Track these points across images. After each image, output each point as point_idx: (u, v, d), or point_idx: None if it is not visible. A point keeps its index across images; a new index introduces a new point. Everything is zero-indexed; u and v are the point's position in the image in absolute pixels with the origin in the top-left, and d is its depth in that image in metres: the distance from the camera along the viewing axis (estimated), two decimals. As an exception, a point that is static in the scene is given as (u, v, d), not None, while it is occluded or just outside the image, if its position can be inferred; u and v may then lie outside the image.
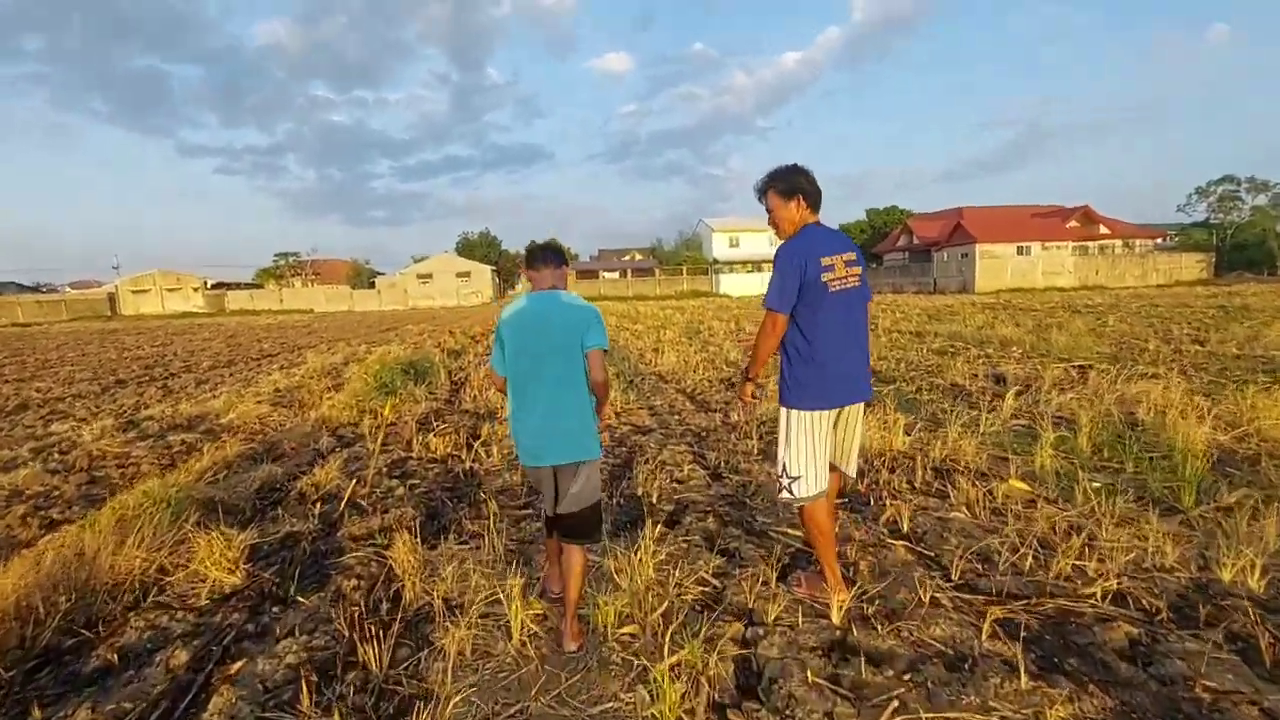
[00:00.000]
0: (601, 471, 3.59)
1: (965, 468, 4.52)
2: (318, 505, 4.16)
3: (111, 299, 62.26)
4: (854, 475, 3.02)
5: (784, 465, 2.77)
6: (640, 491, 4.34)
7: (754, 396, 3.02)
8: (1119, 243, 55.48)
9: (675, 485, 4.47)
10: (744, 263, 63.66)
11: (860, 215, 75.33)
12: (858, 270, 2.74)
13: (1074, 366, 8.71)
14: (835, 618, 2.67)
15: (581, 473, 2.63)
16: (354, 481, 4.36)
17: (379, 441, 5.23)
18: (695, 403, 7.58)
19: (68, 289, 75.30)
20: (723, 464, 5.01)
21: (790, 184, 2.75)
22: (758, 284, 58.98)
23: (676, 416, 6.77)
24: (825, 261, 2.63)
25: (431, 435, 5.64)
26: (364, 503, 4.17)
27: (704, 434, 6.02)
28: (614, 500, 4.24)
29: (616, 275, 65.84)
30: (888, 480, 4.33)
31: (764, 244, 64.37)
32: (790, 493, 2.76)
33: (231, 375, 12.37)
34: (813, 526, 2.79)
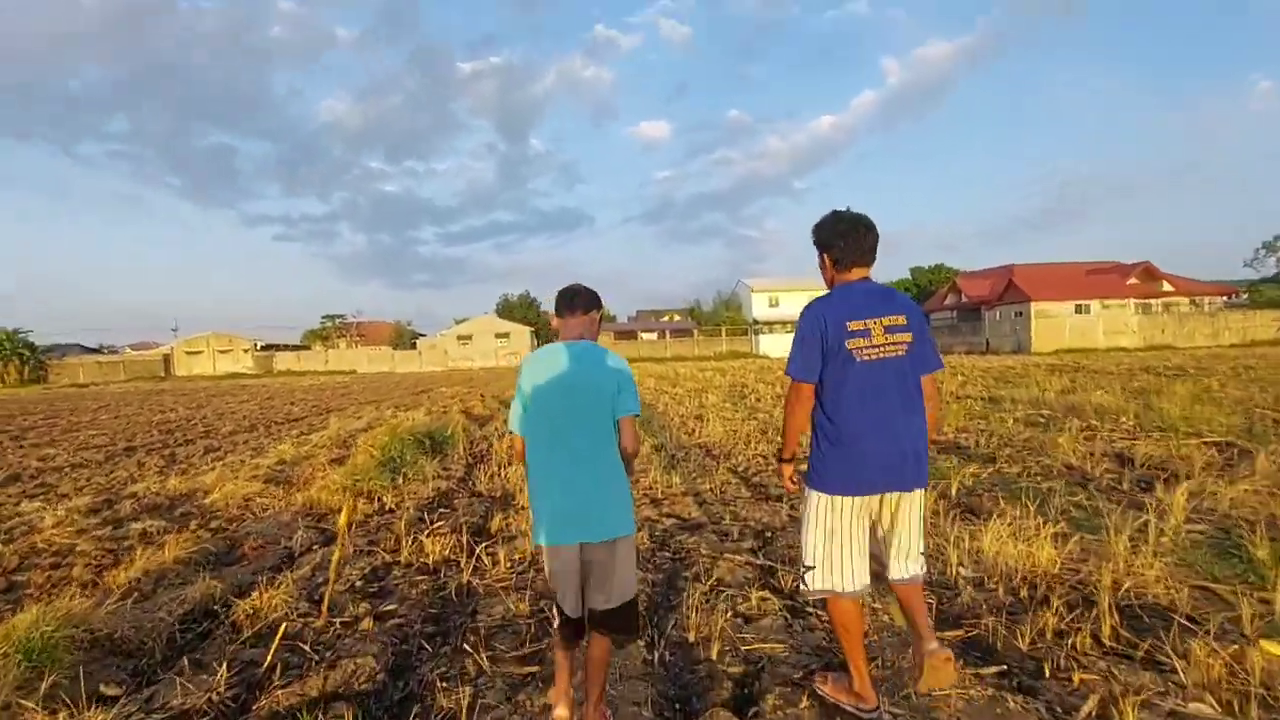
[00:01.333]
0: (639, 583, 2.85)
1: (1160, 605, 3.16)
2: (248, 645, 3.03)
3: (166, 360, 64.37)
4: (911, 575, 2.43)
5: (801, 550, 2.49)
6: (692, 637, 3.09)
7: (795, 481, 2.58)
8: (1185, 300, 52.60)
9: (741, 624, 3.21)
10: (784, 323, 62.42)
11: (904, 274, 73.82)
12: (905, 337, 2.32)
13: (1211, 443, 7.18)
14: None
15: (618, 552, 2.26)
16: (300, 620, 3.22)
17: (342, 550, 4.09)
18: (751, 487, 6.31)
19: (128, 350, 78.27)
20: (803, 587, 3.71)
21: (816, 237, 2.48)
22: (799, 344, 57.51)
23: (730, 507, 5.51)
24: (854, 326, 2.29)
25: (425, 536, 4.48)
26: (308, 648, 3.01)
27: (768, 534, 4.75)
28: (656, 654, 2.98)
29: (654, 336, 65.29)
30: (1054, 626, 2.99)
31: (804, 303, 63.14)
32: (803, 583, 2.47)
33: (245, 443, 11.59)
34: (836, 624, 2.45)
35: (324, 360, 63.74)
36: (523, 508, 5.61)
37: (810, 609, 3.39)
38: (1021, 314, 48.41)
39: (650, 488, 6.30)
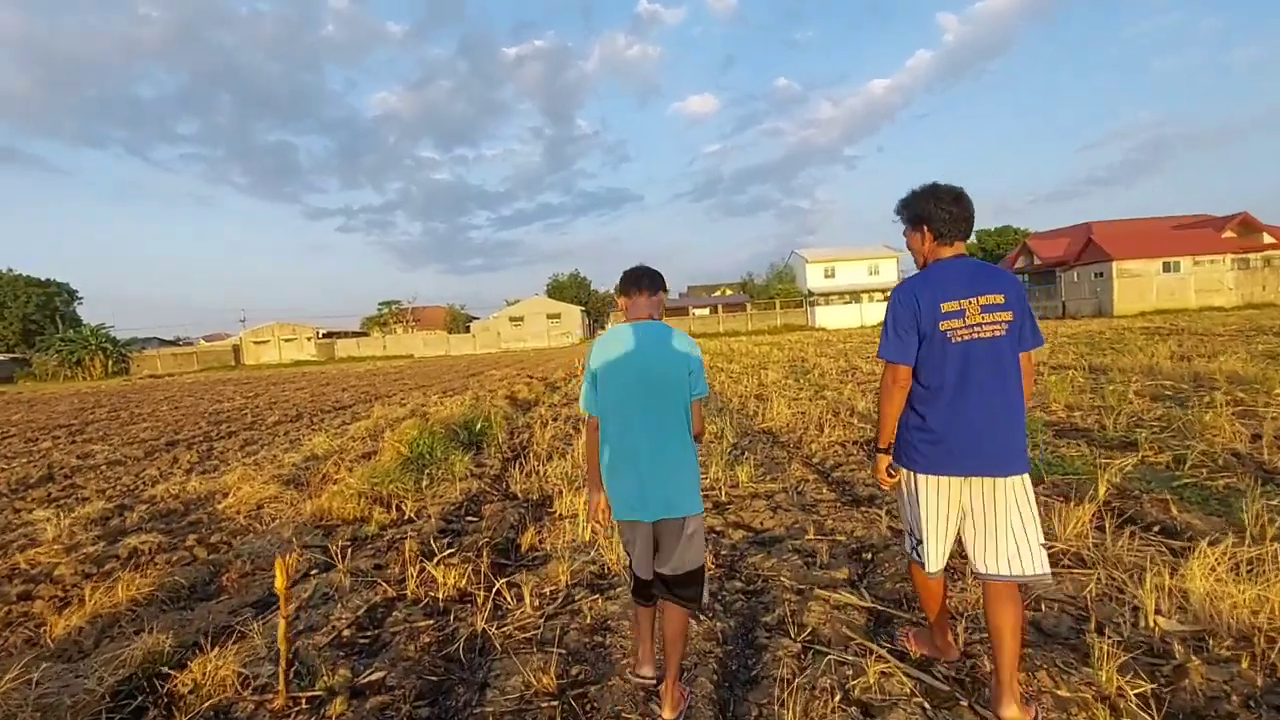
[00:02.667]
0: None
1: None
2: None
3: (236, 350, 66.90)
4: (1009, 571, 2.16)
5: (909, 523, 2.43)
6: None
7: (892, 473, 2.41)
8: (1290, 253, 47.71)
9: (852, 713, 2.21)
10: (840, 294, 59.98)
11: (970, 238, 69.78)
12: (1005, 316, 2.20)
13: None
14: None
15: (689, 528, 2.31)
16: (253, 700, 2.40)
17: (286, 620, 3.26)
18: (833, 485, 5.25)
19: (201, 342, 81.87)
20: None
21: (913, 210, 2.38)
22: (856, 316, 55.20)
23: (813, 514, 4.49)
24: (948, 307, 2.20)
25: (436, 565, 3.61)
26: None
27: (868, 554, 3.71)
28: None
29: (706, 311, 63.80)
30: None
31: (861, 273, 60.55)
32: (915, 552, 2.41)
33: (286, 434, 11.18)
34: (922, 593, 2.50)
35: (382, 346, 65.04)
36: (560, 516, 4.73)
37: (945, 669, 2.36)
38: (1102, 274, 44.94)
39: (712, 487, 5.33)
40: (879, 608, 2.97)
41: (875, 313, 54.32)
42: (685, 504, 2.29)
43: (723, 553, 3.92)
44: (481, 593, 3.32)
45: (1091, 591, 2.92)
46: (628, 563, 2.47)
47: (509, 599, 3.29)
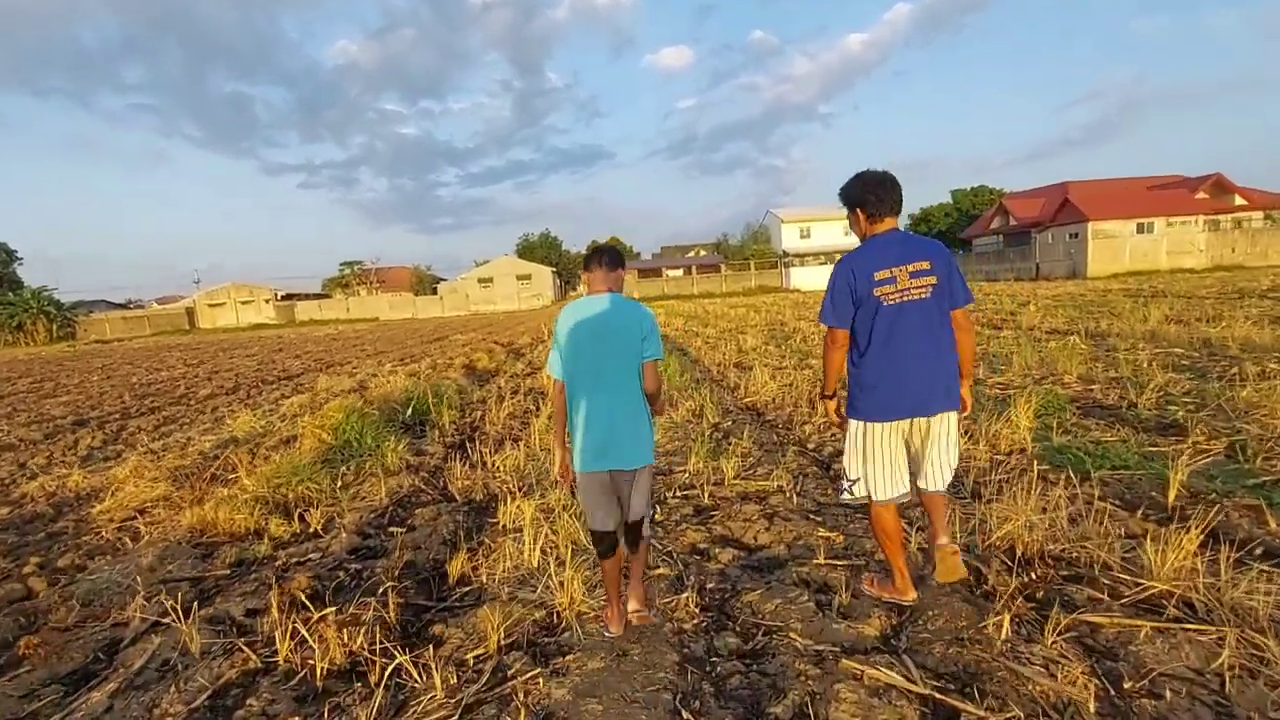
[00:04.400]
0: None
1: None
2: None
3: (190, 313, 64.11)
4: (938, 488, 2.72)
5: (844, 467, 2.82)
6: None
7: (839, 414, 2.86)
8: (1258, 215, 48.05)
9: None
10: (815, 254, 59.22)
11: (945, 197, 69.34)
12: (930, 280, 2.56)
13: None
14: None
15: (642, 479, 2.60)
16: None
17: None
18: (837, 481, 4.38)
19: (153, 305, 78.31)
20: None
21: (848, 195, 2.70)
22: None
23: (820, 526, 3.61)
24: (880, 275, 2.55)
25: (317, 620, 2.62)
26: None
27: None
28: None
29: (680, 273, 62.59)
30: None
31: (837, 233, 59.72)
32: (848, 493, 2.79)
33: (212, 412, 10.00)
34: (878, 530, 2.79)
35: (345, 308, 62.79)
36: (503, 529, 3.78)
37: None
38: (1077, 235, 44.81)
39: (690, 484, 4.43)
40: (936, 695, 2.09)
41: (850, 274, 53.60)
42: (641, 456, 2.57)
43: (709, 585, 3.02)
44: (378, 667, 2.36)
45: (1225, 663, 2.07)
46: (588, 525, 2.68)
47: (415, 675, 2.34)
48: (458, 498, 4.45)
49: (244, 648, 2.54)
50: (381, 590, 2.85)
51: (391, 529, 3.97)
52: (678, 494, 4.30)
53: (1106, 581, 2.71)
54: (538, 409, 7.46)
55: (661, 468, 4.88)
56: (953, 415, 2.65)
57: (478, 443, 5.95)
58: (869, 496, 2.71)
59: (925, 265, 2.55)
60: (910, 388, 2.56)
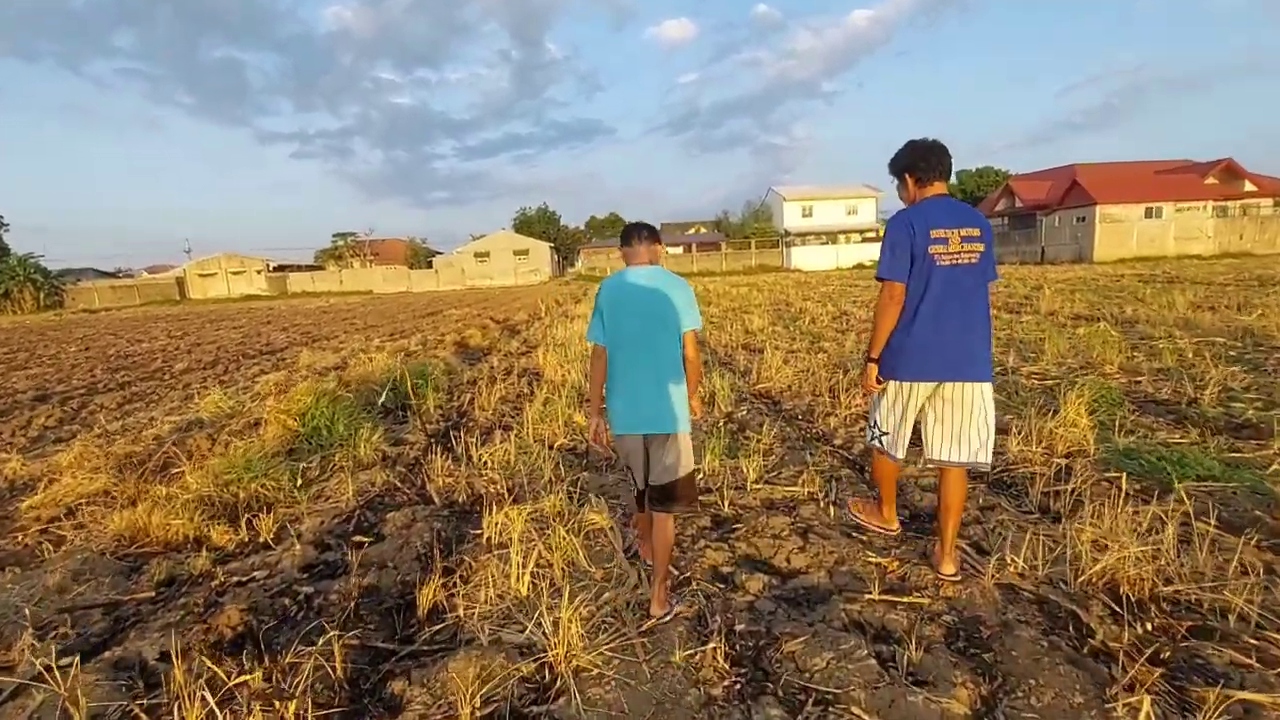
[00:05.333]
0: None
1: None
2: None
3: (180, 283, 63.08)
4: (969, 458, 2.64)
5: (874, 416, 2.88)
6: None
7: (880, 382, 2.78)
8: (1268, 202, 47.29)
9: None
10: (817, 234, 58.30)
11: (950, 178, 68.17)
12: (979, 247, 2.59)
13: None
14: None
15: (674, 444, 2.63)
16: None
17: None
18: (874, 485, 3.80)
19: (143, 274, 77.01)
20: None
21: (897, 164, 2.74)
22: (832, 257, 53.72)
23: (866, 547, 3.03)
24: (936, 234, 2.55)
25: (244, 684, 2.01)
26: None
27: (979, 633, 2.27)
28: None
29: (680, 250, 61.64)
30: None
31: (839, 213, 58.79)
32: (876, 442, 2.88)
33: (184, 388, 9.37)
34: (880, 471, 3.00)
35: (339, 281, 61.77)
36: (488, 544, 3.19)
37: None
38: (1084, 219, 44.07)
39: (706, 488, 3.84)
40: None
41: (852, 255, 52.91)
42: (675, 422, 2.60)
43: (739, 626, 2.44)
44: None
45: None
46: (630, 479, 2.79)
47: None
48: (437, 500, 3.85)
49: (143, 716, 1.95)
50: (326, 640, 2.24)
51: (357, 538, 3.37)
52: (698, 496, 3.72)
53: (1250, 639, 2.13)
54: (532, 392, 6.85)
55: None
56: (988, 386, 2.65)
57: (464, 432, 5.34)
58: (888, 451, 2.83)
59: (976, 232, 2.59)
60: (953, 350, 2.58)
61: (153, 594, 2.87)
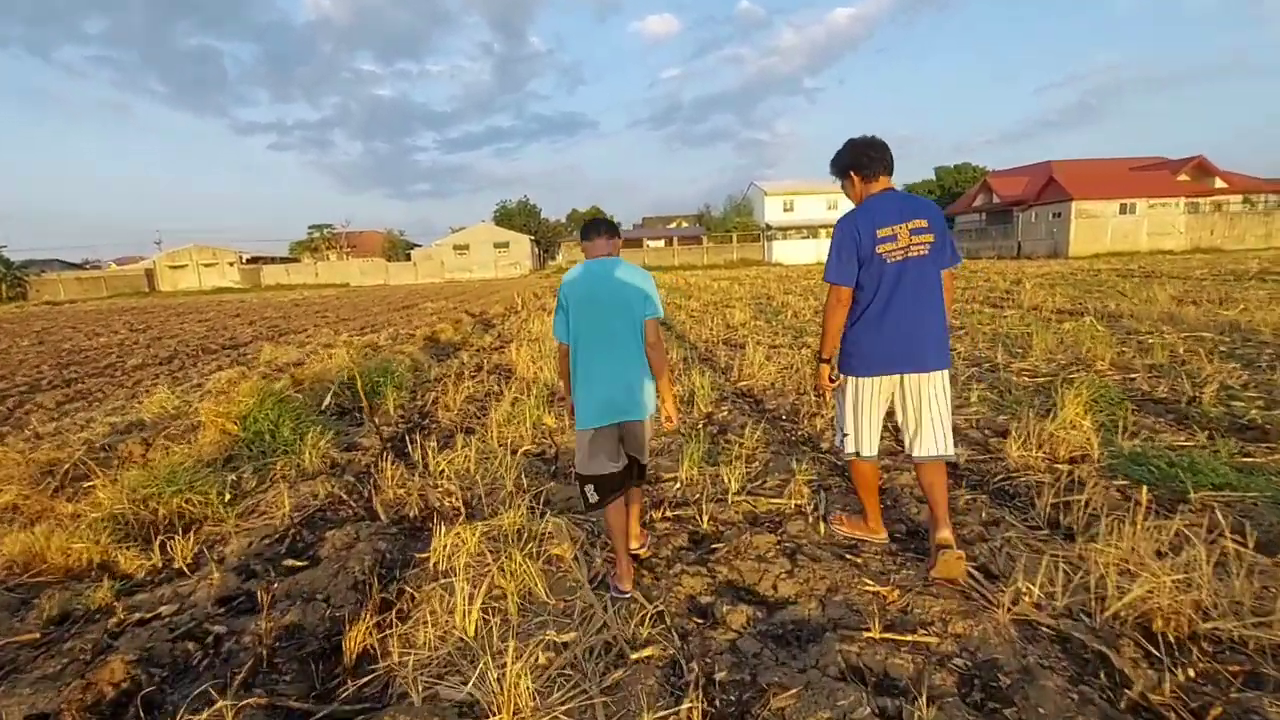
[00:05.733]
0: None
1: None
2: None
3: (149, 275, 61.49)
4: (938, 452, 2.68)
5: (839, 421, 2.90)
6: None
7: (833, 380, 2.83)
8: (1237, 199, 48.11)
9: None
10: (799, 228, 58.27)
11: (928, 174, 68.67)
12: (928, 238, 2.60)
13: None
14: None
15: (646, 428, 2.72)
16: None
17: None
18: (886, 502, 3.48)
19: (112, 265, 74.89)
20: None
21: (841, 162, 2.76)
22: (813, 251, 53.71)
23: (861, 571, 2.70)
24: (883, 232, 2.58)
25: None
26: None
27: (998, 681, 1.95)
28: None
29: (661, 244, 61.23)
30: None
31: (820, 208, 58.79)
32: (841, 445, 2.89)
33: (134, 385, 8.82)
34: (858, 479, 2.91)
35: (314, 273, 60.49)
36: (435, 571, 2.80)
37: None
38: (1060, 215, 44.45)
39: (683, 500, 3.49)
40: None
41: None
42: (642, 408, 2.67)
43: (719, 674, 2.09)
44: None
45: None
46: (586, 483, 2.70)
47: None
48: (383, 515, 3.46)
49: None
50: (252, 660, 1.86)
51: (288, 563, 2.98)
52: (667, 514, 3.36)
53: (1311, 689, 1.83)
54: (501, 391, 6.46)
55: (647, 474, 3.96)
56: (945, 374, 2.68)
57: (424, 435, 4.94)
58: (857, 453, 2.81)
59: (924, 223, 2.60)
60: (905, 344, 2.61)
61: (38, 635, 2.45)
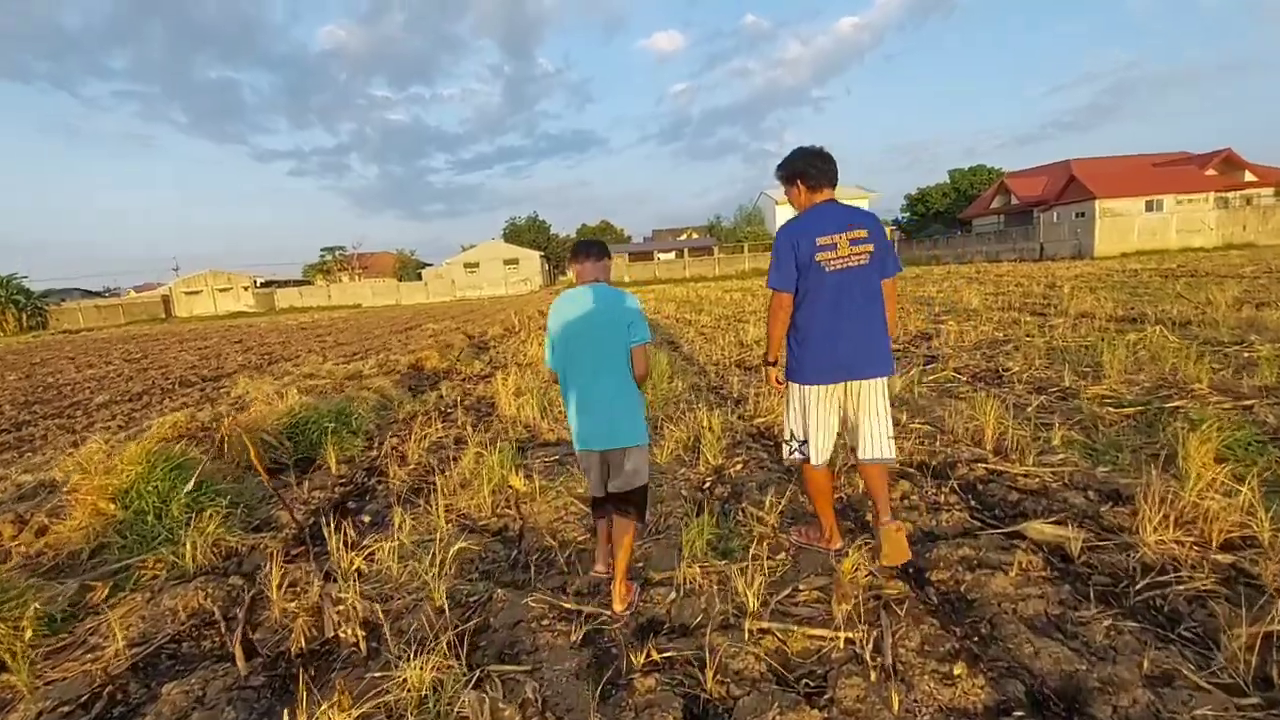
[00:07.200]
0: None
1: None
2: None
3: (166, 301, 61.95)
4: (878, 455, 2.78)
5: (788, 430, 2.92)
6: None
7: (779, 381, 2.95)
8: (1268, 191, 46.21)
9: None
10: (813, 236, 56.99)
11: (941, 178, 67.23)
12: (868, 248, 2.66)
13: None
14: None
15: (630, 457, 2.68)
16: None
17: None
18: (943, 613, 2.39)
19: (131, 292, 75.62)
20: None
21: (787, 169, 2.79)
22: (830, 259, 52.45)
23: (914, 677, 1.61)
24: (822, 241, 2.63)
25: None
26: None
27: None
28: None
29: (672, 256, 60.31)
30: None
31: (836, 214, 57.41)
32: (793, 454, 2.91)
33: (88, 427, 7.95)
34: (810, 486, 2.91)
35: (327, 295, 60.41)
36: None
37: None
38: (1084, 214, 42.88)
39: (678, 627, 2.43)
40: None
41: (849, 256, 51.60)
42: (628, 437, 2.67)
43: None
44: None
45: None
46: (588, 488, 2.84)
47: None
48: (242, 665, 2.41)
49: None
50: None
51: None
52: (651, 656, 2.28)
53: None
54: (478, 427, 5.45)
55: (635, 570, 2.92)
56: (884, 381, 2.75)
57: (358, 505, 3.92)
58: (805, 458, 2.82)
59: (863, 234, 2.66)
60: (847, 352, 2.66)
61: None
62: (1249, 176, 47.67)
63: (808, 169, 2.71)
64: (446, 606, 2.55)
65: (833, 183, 2.74)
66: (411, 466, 4.75)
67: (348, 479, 4.61)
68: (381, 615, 2.53)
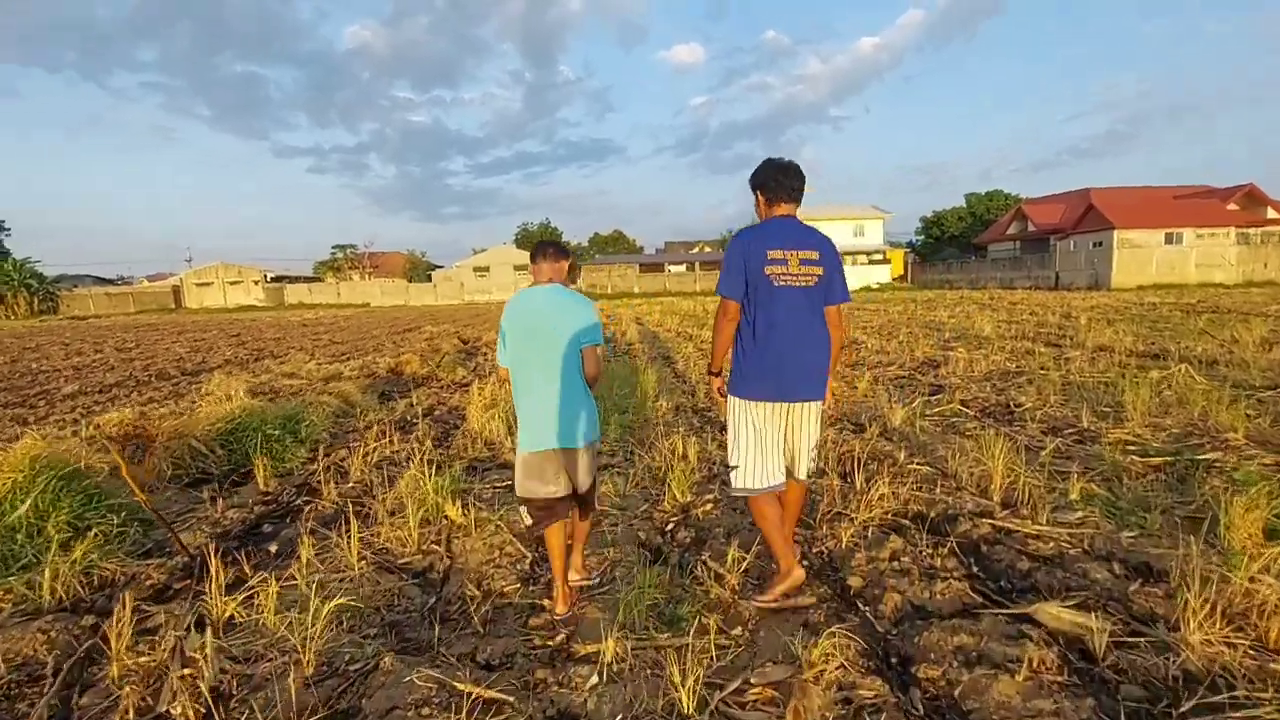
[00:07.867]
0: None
1: None
2: None
3: (176, 292, 62.16)
4: (800, 477, 2.84)
5: (727, 450, 2.82)
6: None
7: (722, 393, 2.92)
8: (1288, 228, 45.29)
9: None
10: (826, 254, 56.46)
11: (957, 201, 66.60)
12: (817, 270, 2.65)
13: None
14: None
15: (584, 456, 2.70)
16: None
17: None
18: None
19: (144, 281, 76.00)
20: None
21: (753, 178, 2.78)
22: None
23: None
24: (773, 255, 2.61)
25: None
26: None
27: None
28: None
29: (683, 269, 59.93)
30: None
31: (846, 234, 56.96)
32: (729, 480, 2.85)
33: (41, 420, 7.54)
34: (757, 517, 2.78)
35: (336, 293, 60.35)
36: None
37: None
38: (1101, 244, 42.11)
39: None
40: None
41: (859, 276, 51.18)
42: (582, 433, 2.67)
43: None
44: None
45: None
46: (525, 505, 2.73)
47: None
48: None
49: None
50: None
51: None
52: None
53: None
54: (442, 443, 4.98)
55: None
56: (818, 405, 2.76)
57: (274, 529, 3.44)
58: (749, 488, 2.70)
59: (814, 255, 2.64)
60: (787, 372, 2.64)
61: None
62: (1271, 214, 46.85)
63: (768, 181, 2.70)
64: (313, 680, 2.06)
65: (792, 199, 2.70)
66: (350, 485, 4.28)
67: (273, 497, 4.13)
68: (234, 685, 2.04)
